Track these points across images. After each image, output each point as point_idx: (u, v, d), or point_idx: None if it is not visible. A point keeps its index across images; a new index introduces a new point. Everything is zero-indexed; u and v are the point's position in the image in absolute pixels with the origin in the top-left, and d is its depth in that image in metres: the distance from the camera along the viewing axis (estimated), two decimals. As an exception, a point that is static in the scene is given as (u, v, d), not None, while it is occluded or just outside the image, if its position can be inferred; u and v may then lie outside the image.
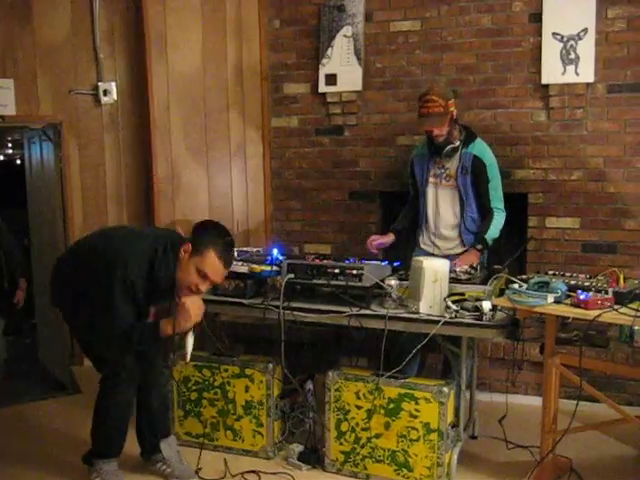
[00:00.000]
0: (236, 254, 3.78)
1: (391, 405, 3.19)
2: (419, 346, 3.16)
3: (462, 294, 3.16)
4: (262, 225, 5.15)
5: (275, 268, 3.45)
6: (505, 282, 3.15)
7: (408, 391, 3.15)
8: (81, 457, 3.28)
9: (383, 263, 3.51)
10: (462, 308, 3.05)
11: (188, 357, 2.97)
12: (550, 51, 4.22)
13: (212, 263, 2.83)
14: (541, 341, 3.32)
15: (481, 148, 3.79)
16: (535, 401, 3.98)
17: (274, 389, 3.46)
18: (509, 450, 3.52)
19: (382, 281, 3.25)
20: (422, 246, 3.98)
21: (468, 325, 3.01)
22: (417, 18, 4.57)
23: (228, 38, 4.95)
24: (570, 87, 4.20)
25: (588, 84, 4.18)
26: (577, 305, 2.71)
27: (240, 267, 3.48)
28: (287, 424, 3.56)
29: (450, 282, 3.19)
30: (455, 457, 3.21)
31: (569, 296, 2.80)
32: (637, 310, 2.57)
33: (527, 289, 2.86)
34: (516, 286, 2.92)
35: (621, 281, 2.84)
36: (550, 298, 2.77)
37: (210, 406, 3.58)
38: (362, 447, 3.27)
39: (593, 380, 3.68)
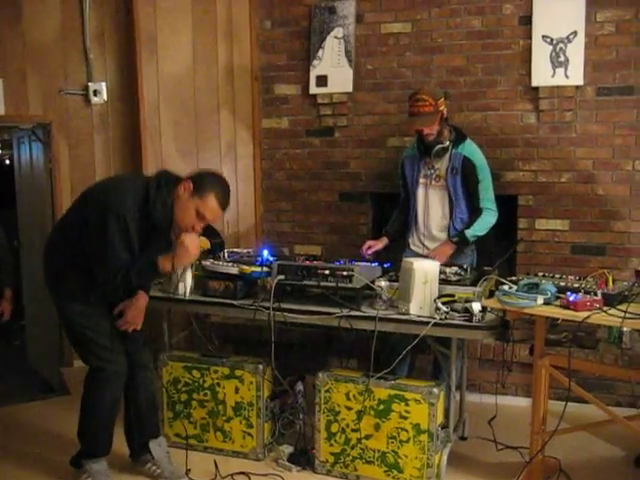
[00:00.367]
0: (226, 255, 3.79)
1: (381, 406, 3.19)
2: (409, 347, 3.17)
3: (452, 295, 3.16)
4: (252, 226, 5.15)
5: (265, 269, 3.45)
6: (495, 283, 3.17)
7: (398, 392, 3.15)
8: (69, 460, 3.27)
9: (373, 264, 3.51)
10: (452, 309, 3.05)
11: (188, 293, 2.99)
12: (540, 54, 4.24)
13: (212, 207, 2.88)
14: (530, 342, 3.34)
15: (471, 149, 3.80)
16: (524, 402, 4.00)
17: (264, 390, 3.46)
18: (498, 451, 3.53)
19: (372, 282, 3.25)
20: (412, 247, 3.99)
21: (458, 326, 3.02)
22: (408, 20, 4.58)
23: (219, 39, 4.94)
24: (560, 90, 4.22)
25: (577, 87, 4.21)
26: (566, 306, 2.72)
27: (230, 268, 3.47)
28: (277, 425, 3.56)
29: (440, 283, 3.19)
30: (445, 458, 3.21)
31: (558, 297, 2.82)
32: (625, 312, 2.58)
33: (517, 290, 2.87)
34: (506, 287, 2.93)
35: (610, 283, 2.85)
36: (540, 299, 2.78)
37: (200, 407, 3.58)
38: (352, 448, 3.27)
39: (582, 381, 3.69)
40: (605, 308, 2.68)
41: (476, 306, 2.98)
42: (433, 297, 3.10)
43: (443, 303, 3.07)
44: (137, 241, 2.89)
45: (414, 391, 3.12)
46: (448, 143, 3.77)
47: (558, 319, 2.85)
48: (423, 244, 3.94)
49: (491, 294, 3.13)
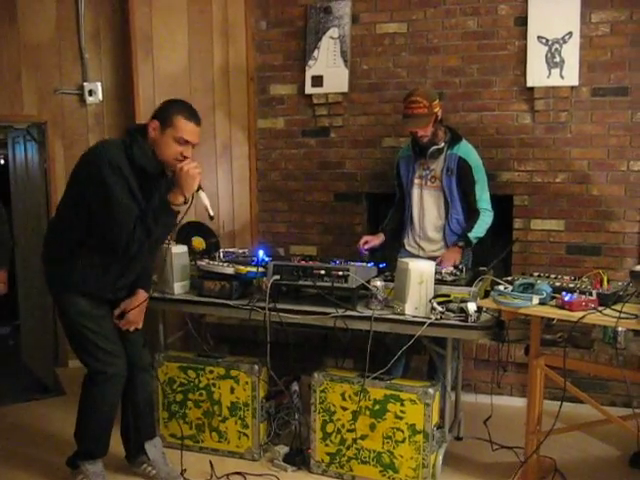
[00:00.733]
0: (222, 255, 3.79)
1: (376, 406, 3.19)
2: (404, 347, 3.17)
3: (447, 295, 3.17)
4: (248, 226, 5.14)
5: (261, 269, 3.45)
6: (490, 284, 3.17)
7: (393, 392, 3.15)
8: (65, 461, 3.26)
9: (369, 264, 3.52)
10: (447, 309, 3.06)
11: (210, 210, 2.97)
12: (535, 54, 4.25)
13: (185, 126, 2.90)
14: (526, 342, 3.35)
15: (466, 150, 3.80)
16: (520, 402, 4.01)
17: (260, 390, 3.46)
18: (494, 451, 3.54)
19: (368, 282, 3.25)
20: (407, 247, 3.99)
21: (453, 326, 3.02)
22: (403, 20, 4.59)
23: (214, 39, 4.94)
24: (555, 90, 4.23)
25: (573, 87, 4.22)
26: (562, 307, 2.73)
27: (226, 268, 3.47)
28: (273, 425, 3.56)
29: (435, 283, 3.19)
30: (440, 458, 3.22)
31: (554, 298, 2.82)
32: (620, 312, 2.58)
33: (512, 291, 2.87)
34: (501, 288, 2.93)
35: (605, 283, 2.86)
36: (535, 300, 2.78)
37: (195, 408, 3.57)
38: (348, 448, 3.27)
39: (577, 381, 3.71)
40: (600, 308, 2.68)
41: (471, 306, 2.98)
42: (429, 297, 3.10)
43: (439, 303, 3.07)
44: (141, 196, 2.89)
45: (409, 391, 3.13)
46: (443, 144, 3.78)
47: (553, 319, 2.85)
48: (418, 244, 3.95)
49: (486, 294, 3.13)
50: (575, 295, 2.72)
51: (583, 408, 3.38)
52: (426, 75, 4.56)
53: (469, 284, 3.25)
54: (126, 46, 4.78)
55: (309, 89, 4.84)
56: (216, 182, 5.04)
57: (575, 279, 3.03)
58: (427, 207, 3.89)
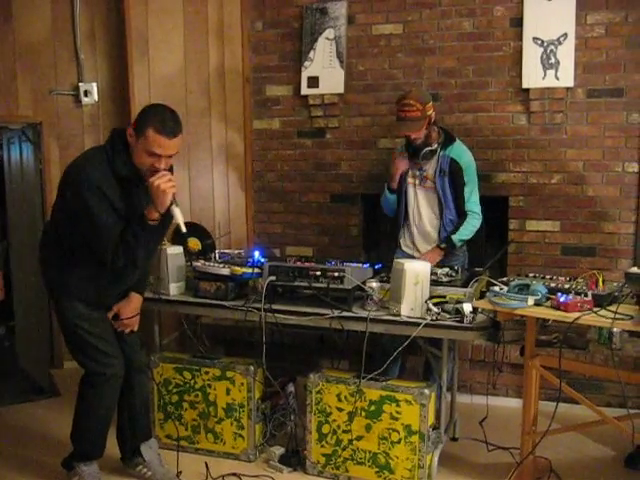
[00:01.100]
0: (218, 256, 3.78)
1: (372, 407, 3.19)
2: (400, 348, 3.17)
3: (443, 296, 3.17)
4: (243, 227, 5.14)
5: (256, 270, 3.44)
6: (486, 285, 3.17)
7: (389, 393, 3.15)
8: (61, 462, 3.25)
9: (364, 265, 3.52)
10: (443, 310, 3.06)
11: (183, 227, 2.91)
12: (531, 55, 4.26)
13: (154, 139, 2.76)
14: (521, 343, 3.35)
15: (459, 151, 3.80)
16: (515, 403, 4.02)
17: (255, 391, 3.45)
18: (489, 452, 3.54)
19: (363, 283, 3.25)
20: (403, 248, 3.99)
21: (449, 327, 3.03)
22: (399, 21, 4.59)
23: (210, 40, 4.93)
24: (550, 91, 4.24)
25: (568, 88, 4.22)
26: (557, 307, 2.73)
27: (221, 269, 3.47)
28: (268, 427, 3.55)
29: (431, 284, 3.20)
30: (436, 459, 3.22)
31: (549, 299, 2.82)
32: (615, 312, 2.59)
33: (508, 292, 2.88)
34: (497, 289, 2.94)
35: (600, 284, 2.86)
36: (530, 300, 2.78)
37: (191, 409, 3.57)
38: (343, 449, 3.27)
39: (572, 382, 3.71)
40: (595, 309, 2.68)
41: (467, 307, 2.99)
42: (424, 298, 3.10)
43: (434, 304, 3.07)
44: (125, 205, 2.85)
45: (405, 392, 3.13)
46: (436, 145, 3.78)
47: (549, 320, 2.86)
48: (414, 244, 3.95)
49: (482, 295, 3.13)
50: (570, 296, 2.73)
51: (578, 409, 3.38)
52: (422, 76, 4.56)
53: (465, 285, 3.26)
54: (122, 47, 4.77)
55: (305, 90, 4.84)
56: (212, 183, 5.04)
57: (570, 280, 3.03)
58: (422, 207, 3.89)
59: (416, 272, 3.09)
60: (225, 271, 3.45)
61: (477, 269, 3.49)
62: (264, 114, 5.05)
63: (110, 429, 3.21)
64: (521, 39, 4.29)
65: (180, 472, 3.29)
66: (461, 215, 3.81)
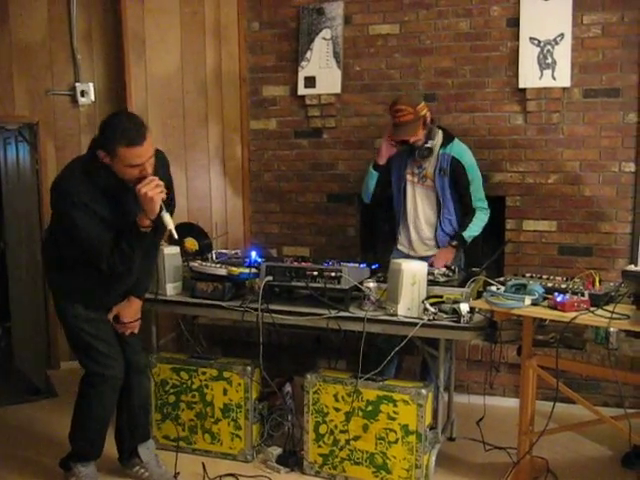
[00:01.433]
0: (215, 256, 3.78)
1: (369, 407, 3.19)
2: (397, 348, 3.17)
3: (440, 296, 3.17)
4: (240, 227, 5.14)
5: (254, 270, 3.44)
6: (483, 284, 3.17)
7: (386, 393, 3.15)
8: (58, 462, 3.25)
9: (361, 265, 3.51)
10: (440, 310, 3.06)
11: (174, 234, 2.90)
12: (527, 55, 4.27)
13: (129, 154, 2.71)
14: (518, 343, 3.35)
15: (460, 149, 3.80)
16: (512, 403, 4.02)
17: (252, 392, 3.45)
18: (487, 451, 3.54)
19: (360, 283, 3.25)
20: (399, 247, 3.99)
21: (446, 327, 3.02)
22: (396, 22, 4.59)
23: (207, 40, 4.93)
24: (547, 91, 4.25)
25: (564, 88, 4.23)
26: (554, 307, 2.73)
27: (218, 269, 3.47)
28: (266, 427, 3.55)
29: (428, 284, 3.20)
30: (433, 459, 3.22)
31: (546, 298, 2.82)
32: (612, 312, 2.59)
33: (505, 291, 2.88)
34: (494, 288, 2.94)
35: (597, 283, 2.86)
36: (527, 300, 2.78)
37: (188, 409, 3.56)
38: (341, 449, 3.27)
39: (569, 381, 3.71)
40: (592, 309, 2.68)
41: (464, 307, 2.99)
42: (421, 298, 3.10)
43: (431, 304, 3.07)
44: (115, 214, 2.84)
45: (402, 392, 3.13)
46: (434, 142, 3.77)
47: (546, 320, 2.87)
48: (410, 244, 3.94)
49: (479, 295, 3.14)
50: (567, 296, 2.73)
51: (575, 408, 3.38)
52: (418, 76, 4.57)
53: (462, 285, 3.25)
54: (118, 47, 4.76)
55: (302, 90, 4.84)
56: (209, 183, 5.03)
57: (567, 280, 3.03)
58: (420, 206, 3.89)
59: (413, 272, 3.09)
60: (222, 271, 3.45)
61: (474, 269, 3.49)
62: (261, 114, 5.05)
63: (109, 430, 3.21)
64: (518, 39, 4.30)
65: (177, 473, 3.28)
66: (468, 213, 3.81)
